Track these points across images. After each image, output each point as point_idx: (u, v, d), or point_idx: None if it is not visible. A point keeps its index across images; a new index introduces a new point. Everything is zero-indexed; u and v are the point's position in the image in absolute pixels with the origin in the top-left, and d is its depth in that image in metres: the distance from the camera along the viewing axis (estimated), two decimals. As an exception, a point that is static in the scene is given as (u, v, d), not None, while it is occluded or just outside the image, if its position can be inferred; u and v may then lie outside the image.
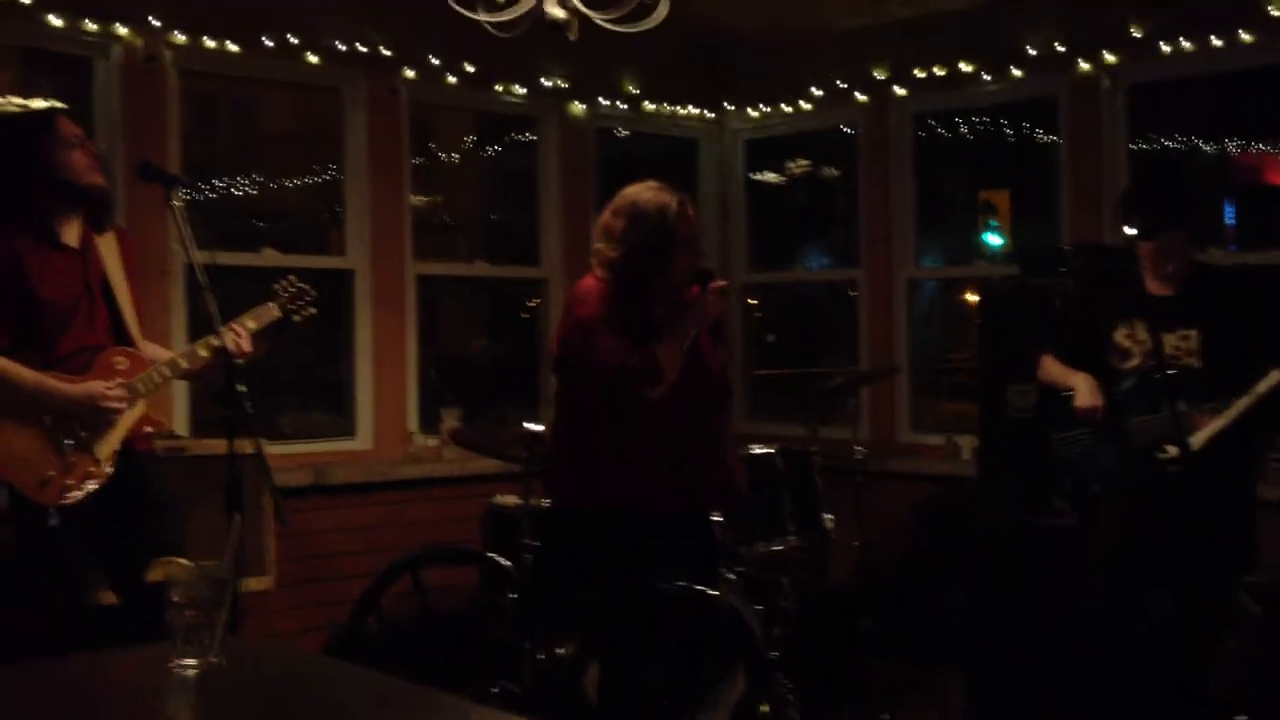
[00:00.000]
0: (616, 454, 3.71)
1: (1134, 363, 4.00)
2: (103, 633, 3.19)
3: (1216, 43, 5.18)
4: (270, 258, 5.50)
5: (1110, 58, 5.48)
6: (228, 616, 2.19)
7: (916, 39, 6.04)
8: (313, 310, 3.91)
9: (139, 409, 3.60)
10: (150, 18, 4.97)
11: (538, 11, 3.66)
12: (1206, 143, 5.67)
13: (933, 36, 5.99)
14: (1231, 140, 5.64)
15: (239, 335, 3.64)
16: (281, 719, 2.03)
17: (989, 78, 5.86)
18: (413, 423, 5.77)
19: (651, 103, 6.63)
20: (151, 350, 3.77)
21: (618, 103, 6.50)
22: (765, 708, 4.01)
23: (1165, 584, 4.02)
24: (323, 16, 5.46)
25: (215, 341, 3.51)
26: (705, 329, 3.77)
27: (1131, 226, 3.89)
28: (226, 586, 2.20)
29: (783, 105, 6.66)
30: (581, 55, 5.40)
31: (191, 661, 2.15)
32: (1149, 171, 5.55)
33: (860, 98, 6.31)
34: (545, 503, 4.05)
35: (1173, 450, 3.84)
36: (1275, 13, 4.98)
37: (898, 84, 6.16)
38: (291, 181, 6.16)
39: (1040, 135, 6.04)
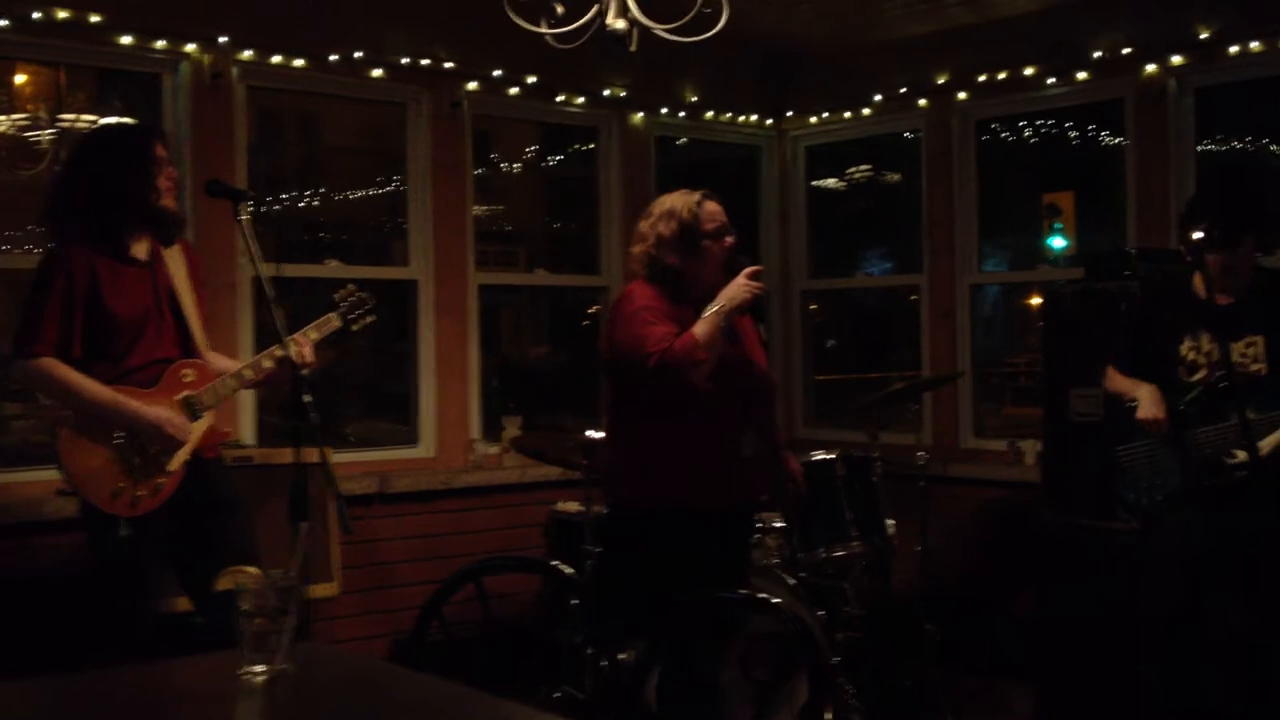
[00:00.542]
0: (666, 448, 3.77)
1: (1200, 375, 3.95)
2: (174, 641, 3.26)
3: (1284, 44, 5.11)
4: (334, 269, 5.57)
5: (1177, 60, 5.42)
6: (296, 623, 2.23)
7: (978, 43, 6.01)
8: (371, 318, 3.97)
9: (207, 420, 3.67)
10: (219, 37, 5.06)
11: (599, 24, 3.68)
12: (1273, 145, 5.59)
13: (995, 41, 5.95)
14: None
15: (302, 346, 3.70)
16: (348, 724, 2.06)
17: (1053, 81, 5.82)
18: (475, 431, 5.82)
19: (711, 111, 6.64)
20: (217, 361, 3.84)
21: (678, 112, 6.51)
22: (828, 714, 4.00)
23: (1236, 598, 3.97)
24: (387, 32, 5.53)
25: (280, 352, 3.58)
26: (747, 318, 3.84)
27: (1198, 240, 3.82)
28: (294, 594, 2.23)
29: (844, 112, 6.64)
30: (642, 65, 5.42)
31: (260, 668, 2.18)
32: (1215, 181, 5.47)
33: (922, 103, 6.28)
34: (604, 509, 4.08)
35: (1242, 455, 3.79)
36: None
37: (960, 89, 6.13)
38: (355, 194, 6.24)
39: (1105, 138, 5.98)
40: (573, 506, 4.83)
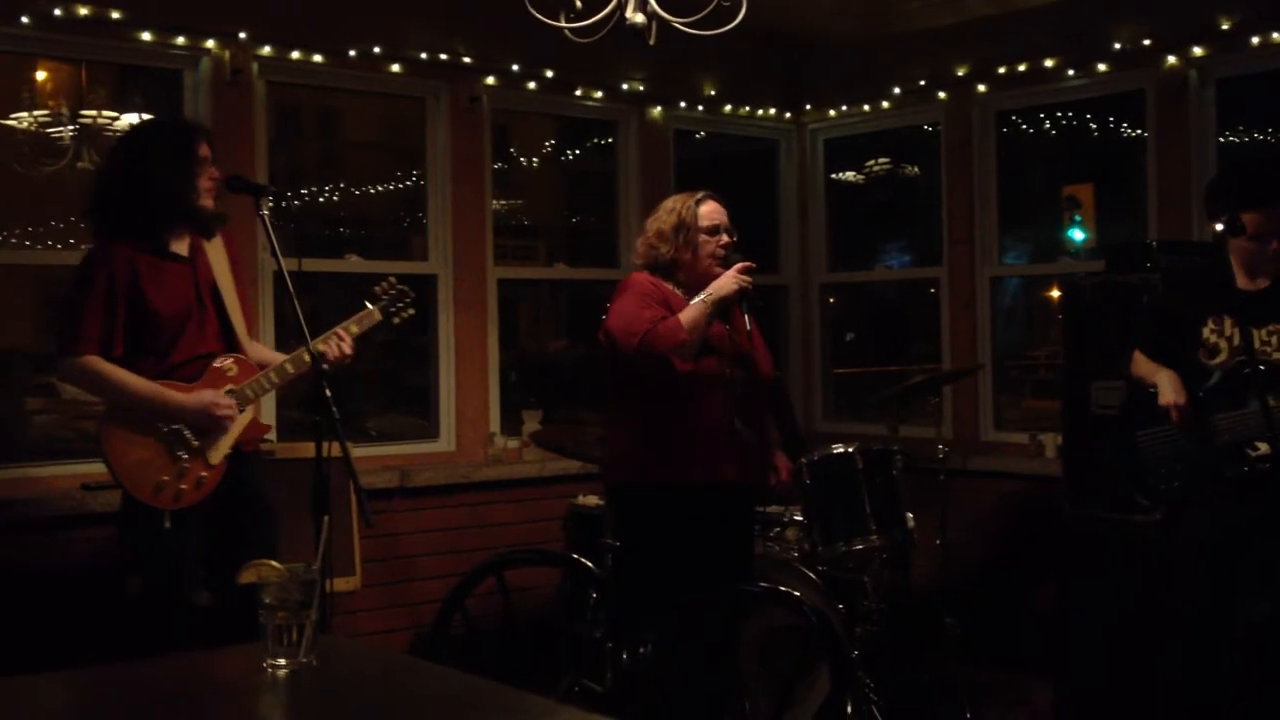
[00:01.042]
0: (656, 429, 3.89)
1: (1221, 358, 3.93)
2: (207, 633, 3.27)
3: (1307, 34, 5.08)
4: (354, 264, 5.59)
5: (1198, 51, 5.39)
6: (318, 617, 2.24)
7: (998, 35, 5.98)
8: (411, 311, 3.99)
9: (249, 413, 3.70)
10: (239, 33, 5.08)
11: (618, 18, 3.68)
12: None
13: (1015, 32, 5.93)
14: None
15: (342, 340, 3.73)
16: (371, 718, 2.08)
17: (1073, 73, 5.79)
18: (494, 425, 5.83)
19: (730, 105, 6.63)
20: (258, 352, 3.86)
21: (696, 105, 6.51)
22: (848, 707, 4.00)
23: (1261, 588, 3.95)
24: (406, 27, 5.54)
25: (321, 346, 3.61)
26: (741, 309, 3.94)
27: (1221, 215, 3.80)
28: (316, 588, 2.25)
29: (863, 105, 6.63)
30: (660, 59, 5.41)
31: (283, 661, 2.20)
32: (1236, 162, 5.44)
33: (941, 95, 6.26)
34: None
35: (1264, 447, 3.77)
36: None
37: (980, 81, 6.11)
38: (375, 188, 6.25)
39: (1126, 130, 5.95)
40: (592, 500, 4.84)
